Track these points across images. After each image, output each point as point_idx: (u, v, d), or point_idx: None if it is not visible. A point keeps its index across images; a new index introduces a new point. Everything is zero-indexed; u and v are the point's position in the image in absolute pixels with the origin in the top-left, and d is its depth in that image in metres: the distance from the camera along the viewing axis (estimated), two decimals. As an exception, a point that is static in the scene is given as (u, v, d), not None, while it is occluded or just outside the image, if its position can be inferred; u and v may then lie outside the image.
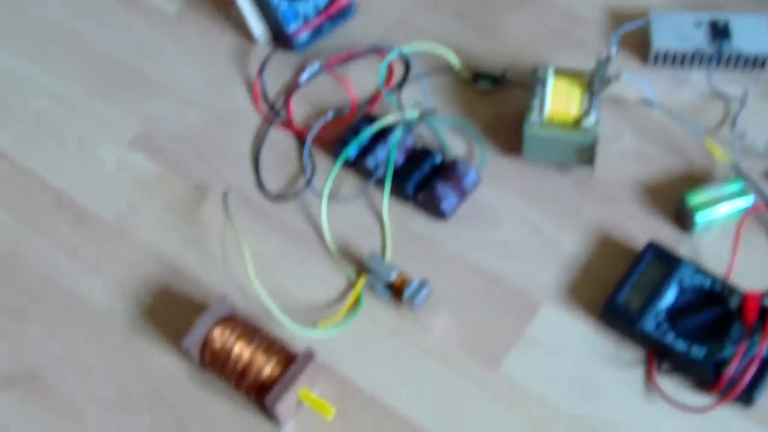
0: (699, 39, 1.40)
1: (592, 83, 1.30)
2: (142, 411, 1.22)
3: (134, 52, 1.51)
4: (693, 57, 1.40)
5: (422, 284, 1.24)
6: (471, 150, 1.37)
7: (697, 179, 1.32)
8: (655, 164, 1.34)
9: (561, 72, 1.34)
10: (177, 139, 1.41)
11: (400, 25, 1.50)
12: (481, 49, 1.46)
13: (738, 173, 1.30)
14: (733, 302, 1.19)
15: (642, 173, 1.34)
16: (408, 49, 1.45)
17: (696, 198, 1.27)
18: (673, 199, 1.30)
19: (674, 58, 1.41)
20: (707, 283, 1.21)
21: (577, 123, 1.29)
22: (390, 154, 1.32)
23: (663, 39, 1.40)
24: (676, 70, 1.42)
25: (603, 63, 1.29)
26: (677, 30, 1.40)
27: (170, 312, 1.28)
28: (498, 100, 1.41)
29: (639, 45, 1.43)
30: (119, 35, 1.53)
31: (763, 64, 1.40)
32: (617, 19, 1.47)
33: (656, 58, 1.41)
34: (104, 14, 1.56)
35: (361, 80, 1.44)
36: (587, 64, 1.34)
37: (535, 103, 1.31)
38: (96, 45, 1.52)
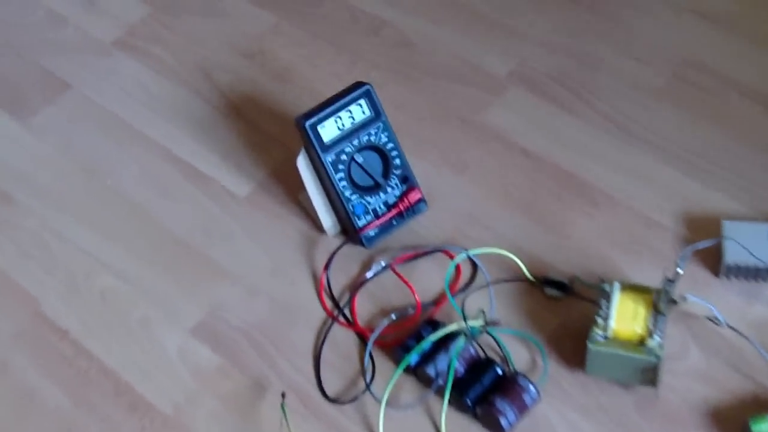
0: (773, 252, 1.37)
1: (658, 302, 1.28)
2: None
3: (202, 234, 1.52)
4: (766, 271, 1.38)
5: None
6: (534, 360, 1.35)
7: (764, 404, 1.28)
8: (720, 385, 1.31)
9: (627, 287, 1.32)
10: (239, 329, 1.41)
11: (470, 221, 1.49)
12: (551, 251, 1.45)
13: (808, 403, 1.26)
14: None
15: (707, 394, 1.31)
16: (475, 251, 1.43)
17: (761, 426, 1.24)
18: (739, 425, 1.27)
19: (747, 272, 1.38)
20: None
21: (641, 342, 1.27)
22: (451, 364, 1.31)
23: (735, 252, 1.38)
24: (748, 284, 1.39)
25: (669, 284, 1.27)
26: (750, 242, 1.37)
27: None
28: (565, 307, 1.39)
29: (711, 256, 1.41)
30: (189, 215, 1.54)
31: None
32: (692, 224, 1.46)
33: (728, 271, 1.39)
34: (176, 192, 1.57)
35: (428, 278, 1.43)
36: (658, 273, 1.31)
37: (600, 318, 1.29)
38: (165, 223, 1.53)
